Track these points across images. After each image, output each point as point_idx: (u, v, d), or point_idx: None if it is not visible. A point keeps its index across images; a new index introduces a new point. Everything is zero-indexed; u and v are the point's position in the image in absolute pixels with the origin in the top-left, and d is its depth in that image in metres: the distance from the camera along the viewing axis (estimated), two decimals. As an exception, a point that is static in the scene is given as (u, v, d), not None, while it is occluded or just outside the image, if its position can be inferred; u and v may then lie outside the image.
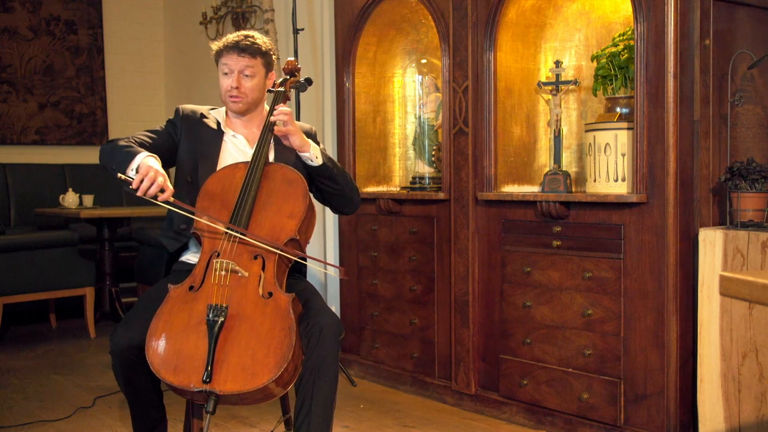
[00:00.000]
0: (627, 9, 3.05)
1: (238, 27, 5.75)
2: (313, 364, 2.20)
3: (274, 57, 2.58)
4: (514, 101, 3.34)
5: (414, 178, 3.88)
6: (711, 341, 2.72)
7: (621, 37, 3.00)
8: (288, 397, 2.57)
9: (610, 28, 3.22)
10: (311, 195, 2.53)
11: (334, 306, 4.33)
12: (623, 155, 2.91)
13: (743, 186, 2.73)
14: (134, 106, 6.90)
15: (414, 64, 4.01)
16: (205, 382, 2.05)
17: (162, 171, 2.24)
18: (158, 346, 2.12)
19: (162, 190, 2.20)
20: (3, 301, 4.53)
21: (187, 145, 2.54)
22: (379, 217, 3.85)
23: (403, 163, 4.09)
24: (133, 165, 2.26)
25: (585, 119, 3.31)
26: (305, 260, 2.47)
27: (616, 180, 2.93)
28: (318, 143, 2.58)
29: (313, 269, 4.13)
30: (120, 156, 2.30)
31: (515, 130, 3.35)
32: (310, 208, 2.42)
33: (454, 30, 3.42)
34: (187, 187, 2.49)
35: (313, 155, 2.49)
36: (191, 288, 2.23)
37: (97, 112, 6.72)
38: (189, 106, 2.63)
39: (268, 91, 2.60)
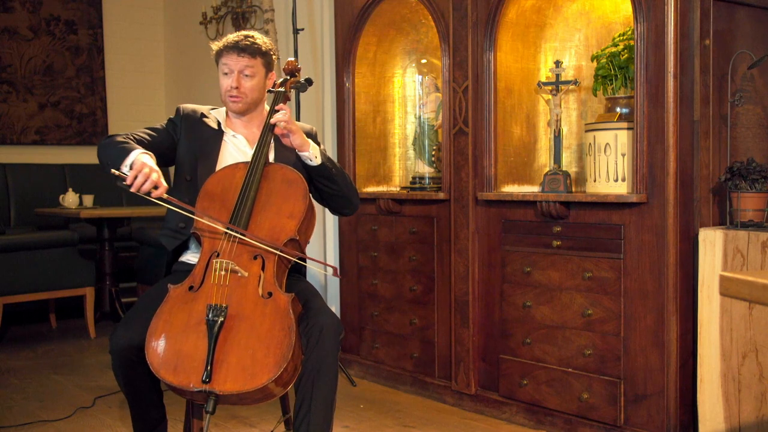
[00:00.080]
0: (627, 9, 3.05)
1: (238, 27, 5.74)
2: (312, 364, 2.20)
3: (274, 57, 2.58)
4: (514, 101, 3.34)
5: (414, 178, 3.88)
6: (711, 341, 2.71)
7: (621, 37, 3.00)
8: (288, 397, 2.57)
9: (610, 28, 3.22)
10: (311, 195, 2.53)
11: (334, 306, 4.33)
12: (623, 155, 2.91)
13: (743, 186, 2.73)
14: (134, 106, 6.90)
15: (414, 64, 4.01)
16: (204, 382, 2.05)
17: (156, 168, 2.24)
18: (158, 346, 2.12)
19: (156, 187, 2.19)
20: (3, 301, 4.53)
21: (186, 144, 2.54)
22: (379, 217, 3.85)
23: (403, 163, 4.09)
24: (128, 161, 2.25)
25: (585, 119, 3.31)
26: (303, 260, 2.47)
27: (616, 180, 2.93)
28: (318, 144, 2.58)
29: (313, 269, 4.13)
30: (115, 152, 2.30)
31: (515, 130, 3.35)
32: (310, 209, 2.42)
33: (454, 30, 3.42)
34: (186, 185, 2.49)
35: (312, 155, 2.49)
36: (191, 288, 2.24)
37: (97, 112, 6.72)
38: (190, 106, 2.63)
39: (268, 91, 2.60)
